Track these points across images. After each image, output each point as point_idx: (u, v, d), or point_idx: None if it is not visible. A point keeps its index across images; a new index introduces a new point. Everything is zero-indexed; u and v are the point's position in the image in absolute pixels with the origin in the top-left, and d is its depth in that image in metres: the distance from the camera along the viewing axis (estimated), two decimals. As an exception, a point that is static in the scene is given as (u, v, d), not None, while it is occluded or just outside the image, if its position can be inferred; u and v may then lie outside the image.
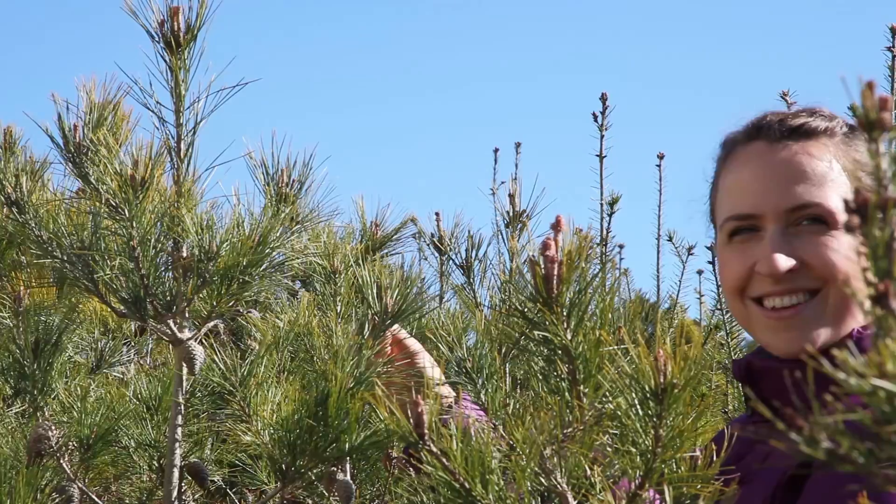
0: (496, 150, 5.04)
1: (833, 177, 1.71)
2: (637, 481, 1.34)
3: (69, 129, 1.76)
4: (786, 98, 3.33)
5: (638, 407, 1.33)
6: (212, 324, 1.87)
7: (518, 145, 5.01)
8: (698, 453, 1.33)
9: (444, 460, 1.33)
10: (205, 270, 1.74)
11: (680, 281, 4.90)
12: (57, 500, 1.93)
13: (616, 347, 1.40)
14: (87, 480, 2.00)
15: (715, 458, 1.33)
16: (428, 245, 3.58)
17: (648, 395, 1.32)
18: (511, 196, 3.37)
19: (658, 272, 5.06)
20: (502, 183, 3.82)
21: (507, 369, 2.54)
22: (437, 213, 3.52)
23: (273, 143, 1.81)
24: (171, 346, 1.90)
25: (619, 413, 1.35)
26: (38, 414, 2.01)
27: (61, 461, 1.93)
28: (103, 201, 1.73)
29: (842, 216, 1.70)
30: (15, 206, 1.84)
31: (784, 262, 1.71)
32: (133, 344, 3.42)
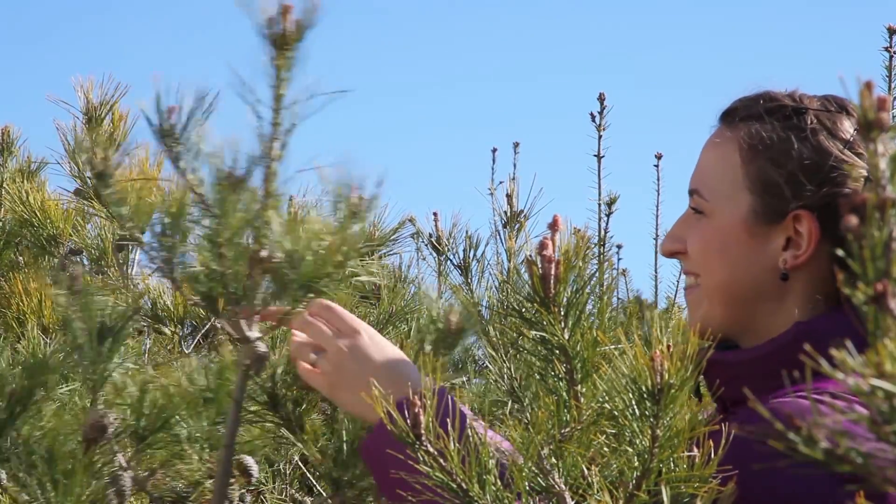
0: (494, 150, 5.03)
1: (722, 165, 1.70)
2: (634, 481, 1.34)
3: (166, 112, 1.74)
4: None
5: (635, 407, 1.33)
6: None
7: (516, 145, 5.01)
8: (696, 452, 1.33)
9: (441, 461, 1.33)
10: (287, 277, 1.72)
11: (678, 281, 4.90)
12: (111, 490, 1.93)
13: (613, 347, 1.40)
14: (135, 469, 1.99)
15: (712, 456, 1.32)
16: (426, 245, 3.57)
17: (645, 395, 1.32)
18: (509, 196, 3.37)
19: (656, 272, 5.06)
20: (500, 183, 3.82)
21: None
22: (434, 213, 3.51)
23: (348, 159, 1.79)
24: (236, 345, 1.89)
25: (616, 413, 1.35)
26: (95, 400, 2.00)
27: (115, 449, 1.92)
28: (194, 195, 1.71)
29: (712, 204, 1.71)
30: (100, 179, 1.82)
31: (666, 245, 1.75)
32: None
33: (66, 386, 2.10)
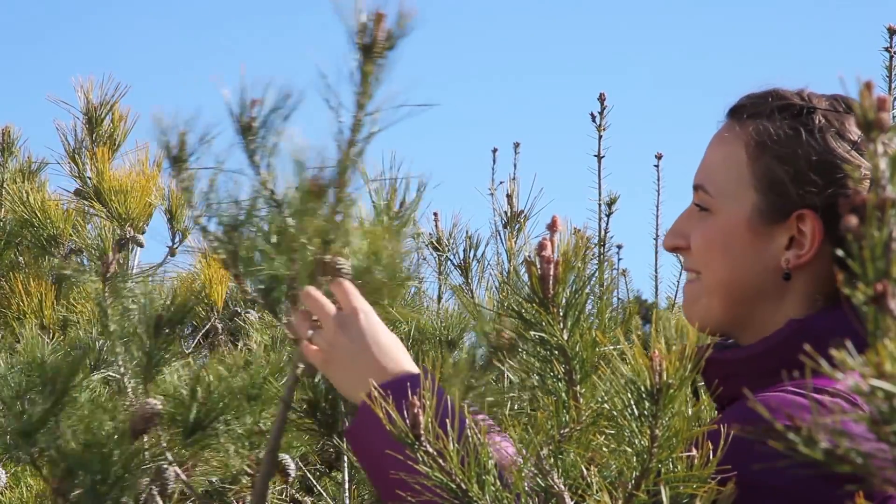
0: (494, 150, 5.03)
1: (728, 162, 1.69)
2: (633, 481, 1.34)
3: (249, 104, 1.72)
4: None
5: (633, 407, 1.32)
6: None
7: (516, 145, 5.00)
8: (694, 452, 1.33)
9: (440, 461, 1.33)
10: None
11: (678, 281, 4.90)
12: (154, 482, 1.92)
13: (612, 347, 1.40)
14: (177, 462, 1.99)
15: (712, 456, 1.32)
16: (426, 245, 3.57)
17: (644, 395, 1.31)
18: (509, 196, 3.38)
19: (656, 272, 5.06)
20: (500, 183, 3.81)
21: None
22: (435, 214, 3.51)
23: (392, 166, 1.77)
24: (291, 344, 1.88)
25: (615, 413, 1.34)
26: (144, 393, 1.99)
27: (162, 444, 1.91)
28: (266, 192, 1.70)
29: (717, 201, 1.69)
30: (175, 164, 1.81)
31: (669, 240, 1.74)
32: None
33: (98, 373, 2.09)
